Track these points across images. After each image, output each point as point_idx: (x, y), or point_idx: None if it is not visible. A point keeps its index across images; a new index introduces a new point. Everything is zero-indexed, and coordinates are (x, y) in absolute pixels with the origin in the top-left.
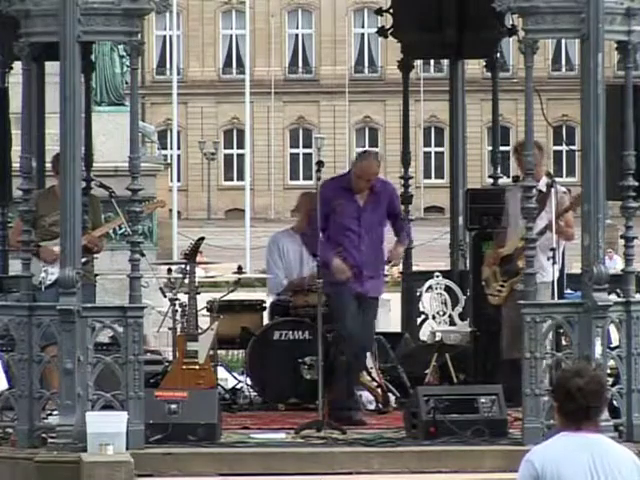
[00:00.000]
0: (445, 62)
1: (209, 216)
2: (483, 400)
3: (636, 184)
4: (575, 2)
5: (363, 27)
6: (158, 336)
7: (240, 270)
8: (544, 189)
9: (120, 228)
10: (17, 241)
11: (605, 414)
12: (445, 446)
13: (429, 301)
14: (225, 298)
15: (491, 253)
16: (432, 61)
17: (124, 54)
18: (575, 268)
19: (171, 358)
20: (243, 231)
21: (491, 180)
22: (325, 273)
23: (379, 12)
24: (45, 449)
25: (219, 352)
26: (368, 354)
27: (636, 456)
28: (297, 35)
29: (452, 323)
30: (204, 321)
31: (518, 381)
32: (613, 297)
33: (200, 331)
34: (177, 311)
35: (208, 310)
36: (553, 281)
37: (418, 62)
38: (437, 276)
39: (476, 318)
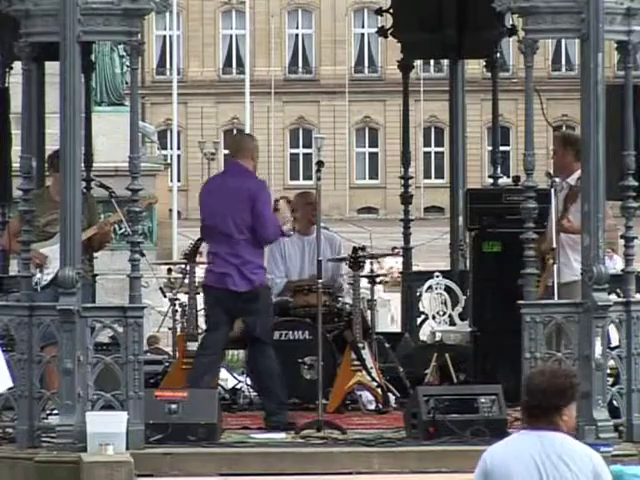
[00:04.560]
0: (445, 62)
1: None
2: (483, 400)
3: (636, 184)
4: (575, 2)
5: (363, 27)
6: (158, 336)
7: None
8: (573, 183)
9: (120, 228)
10: (17, 241)
11: (605, 414)
12: (445, 446)
13: (429, 301)
14: None
15: (534, 250)
16: (432, 61)
17: (124, 54)
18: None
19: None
20: None
21: (491, 180)
22: None
23: (379, 12)
24: (45, 449)
25: None
26: (368, 354)
27: (597, 455)
28: (297, 35)
29: (452, 323)
30: (204, 321)
31: (518, 381)
32: (613, 297)
33: (200, 331)
34: (177, 311)
35: None
36: (553, 281)
37: (418, 62)
38: (437, 276)
39: (476, 318)
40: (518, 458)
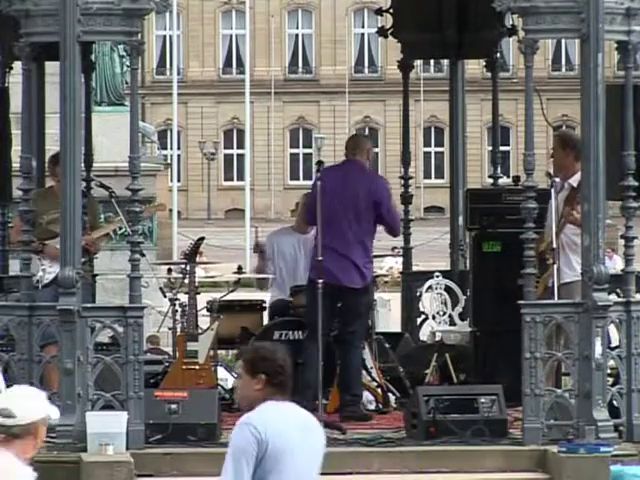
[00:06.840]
0: (445, 62)
1: (209, 216)
2: (483, 400)
3: (636, 184)
4: (575, 2)
5: (363, 27)
6: (159, 336)
7: (240, 270)
8: (575, 184)
9: (120, 228)
10: (18, 241)
11: (605, 414)
12: (445, 446)
13: (429, 301)
14: (225, 298)
15: (535, 250)
16: (432, 61)
17: (124, 54)
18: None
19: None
20: (243, 231)
21: (491, 180)
22: None
23: (379, 12)
24: (45, 449)
25: (219, 352)
26: (368, 354)
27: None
28: (297, 35)
29: (452, 323)
30: (204, 321)
31: (518, 381)
32: (613, 297)
33: (200, 331)
34: (177, 311)
35: (208, 310)
36: (553, 281)
37: (418, 62)
38: (437, 276)
39: (476, 318)
40: (287, 424)
